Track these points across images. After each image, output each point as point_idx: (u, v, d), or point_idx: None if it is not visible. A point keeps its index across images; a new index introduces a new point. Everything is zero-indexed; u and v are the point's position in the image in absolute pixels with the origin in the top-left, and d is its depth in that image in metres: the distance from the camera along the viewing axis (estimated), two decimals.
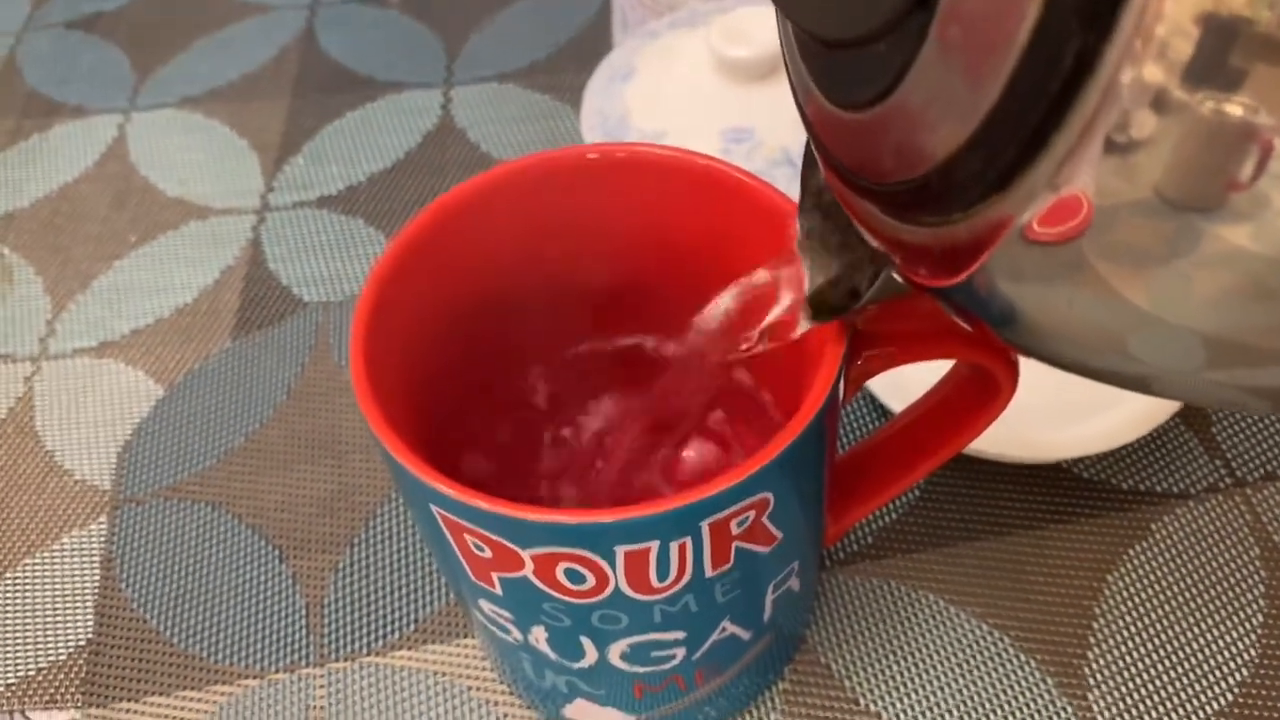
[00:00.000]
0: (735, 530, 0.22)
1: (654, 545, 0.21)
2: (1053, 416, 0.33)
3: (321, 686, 0.31)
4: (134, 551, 0.34)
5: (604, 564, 0.21)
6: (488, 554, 0.22)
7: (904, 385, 0.32)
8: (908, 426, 0.27)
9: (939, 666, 0.30)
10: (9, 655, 0.33)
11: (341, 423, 0.37)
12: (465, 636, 0.32)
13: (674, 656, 0.25)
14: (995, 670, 0.30)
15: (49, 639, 0.33)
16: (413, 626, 0.32)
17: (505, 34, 0.51)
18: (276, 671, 0.32)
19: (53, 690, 0.32)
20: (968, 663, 0.30)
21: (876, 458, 0.28)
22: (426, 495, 0.22)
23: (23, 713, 0.32)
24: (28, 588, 0.34)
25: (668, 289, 0.28)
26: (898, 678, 0.30)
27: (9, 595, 0.34)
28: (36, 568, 0.35)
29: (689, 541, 0.21)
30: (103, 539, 0.35)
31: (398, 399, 0.24)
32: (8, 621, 0.33)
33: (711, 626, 0.25)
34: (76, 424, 0.38)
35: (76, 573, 0.34)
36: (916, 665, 0.30)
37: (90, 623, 0.33)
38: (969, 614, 0.31)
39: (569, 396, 0.31)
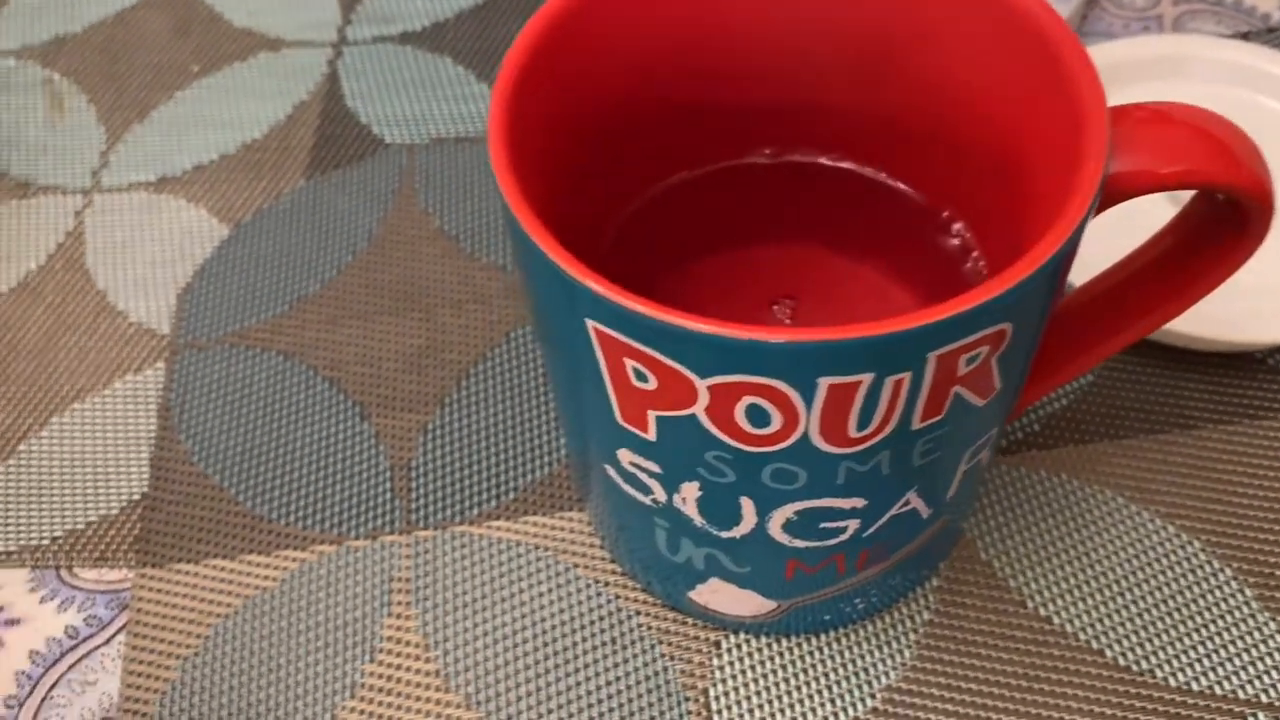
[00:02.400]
0: (962, 369, 0.18)
1: (866, 380, 0.17)
2: (1256, 300, 0.29)
3: (407, 556, 0.27)
4: (195, 400, 0.31)
5: (799, 400, 0.17)
6: (651, 385, 0.18)
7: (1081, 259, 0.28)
8: (1130, 278, 0.23)
9: (1118, 570, 0.26)
10: (55, 506, 0.29)
11: (429, 274, 0.33)
12: (571, 509, 0.28)
13: (844, 530, 0.21)
14: (1184, 577, 0.26)
15: (99, 491, 0.29)
16: (511, 495, 0.28)
17: None
18: (356, 538, 0.28)
19: (103, 547, 0.28)
20: (1150, 567, 0.26)
21: (1084, 315, 0.24)
22: (585, 306, 0.17)
23: (69, 568, 0.28)
24: (76, 434, 0.30)
25: (857, 104, 0.24)
26: (1070, 580, 0.26)
27: (55, 441, 0.30)
28: (86, 413, 0.31)
29: (907, 379, 0.17)
30: (160, 386, 0.31)
31: (539, 201, 0.20)
32: (54, 469, 0.30)
33: (896, 496, 0.21)
34: (132, 262, 0.34)
35: (130, 421, 0.31)
36: (1092, 567, 0.26)
37: (145, 476, 0.29)
38: (1152, 514, 0.27)
39: (726, 212, 0.26)
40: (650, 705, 0.25)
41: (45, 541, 0.29)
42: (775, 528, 0.21)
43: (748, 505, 0.20)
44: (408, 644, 0.26)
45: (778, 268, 0.25)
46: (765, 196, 0.25)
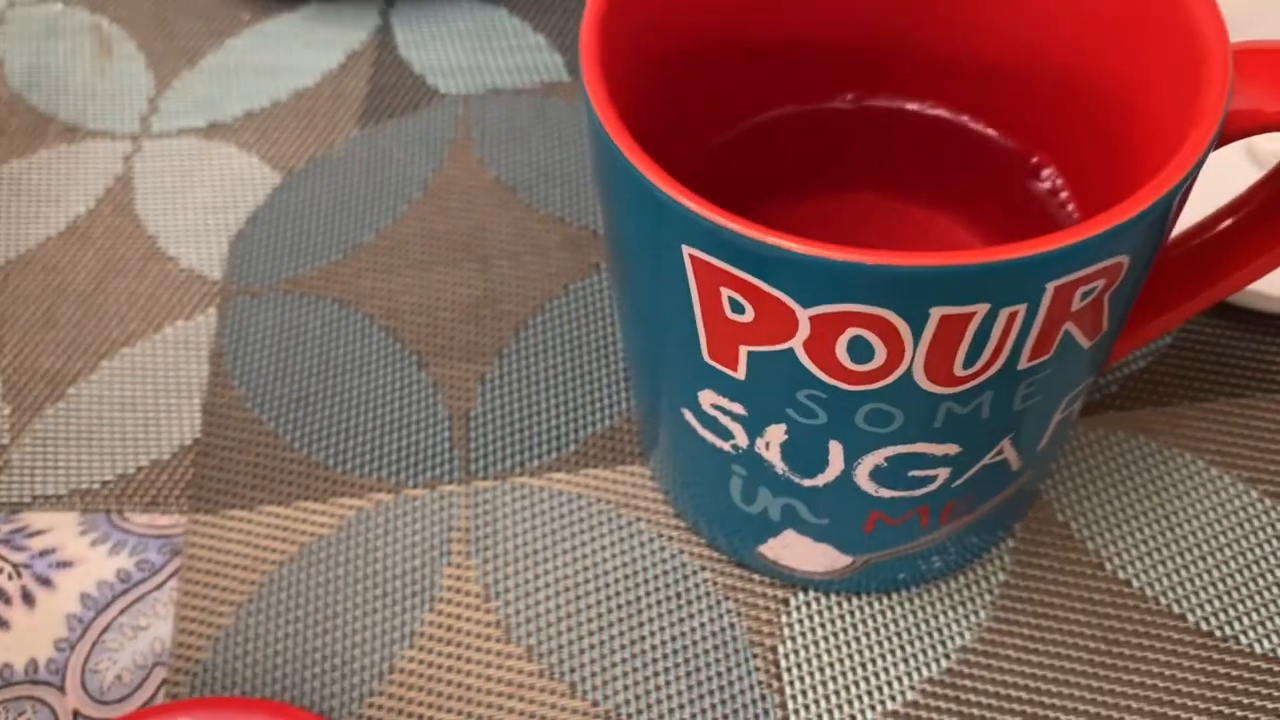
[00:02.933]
0: (1076, 304, 0.17)
1: (980, 311, 0.16)
2: None
3: (465, 506, 0.27)
4: (248, 347, 0.30)
5: (907, 332, 0.17)
6: (747, 316, 0.17)
7: None
8: (1230, 229, 0.22)
9: (1199, 534, 0.25)
10: (106, 450, 0.29)
11: (487, 224, 0.32)
12: (633, 463, 0.27)
13: (933, 479, 0.21)
14: (1269, 543, 0.25)
15: (150, 435, 0.29)
16: (572, 447, 0.28)
17: None
18: (414, 487, 0.27)
19: (155, 492, 0.28)
20: (1233, 531, 0.25)
21: (1179, 266, 0.23)
22: (683, 229, 0.17)
23: (120, 513, 0.28)
24: (126, 379, 0.30)
25: (948, 48, 0.23)
26: (1150, 543, 0.25)
27: (105, 385, 0.30)
28: (136, 358, 0.30)
29: (1022, 311, 0.16)
30: (212, 332, 0.31)
31: (629, 126, 0.19)
32: (104, 414, 0.29)
33: (991, 443, 0.20)
34: (182, 208, 0.34)
35: (181, 366, 0.30)
36: (1172, 530, 0.25)
37: (197, 421, 0.29)
38: (1234, 477, 0.26)
39: (808, 157, 0.25)
40: (716, 661, 0.24)
41: (96, 485, 0.28)
42: (862, 475, 0.20)
43: (836, 450, 0.20)
44: (467, 594, 0.26)
45: (860, 214, 0.24)
46: (848, 142, 0.25)
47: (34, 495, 0.28)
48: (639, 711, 0.24)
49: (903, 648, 0.24)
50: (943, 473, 0.20)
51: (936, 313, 0.16)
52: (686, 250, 0.17)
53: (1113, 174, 0.21)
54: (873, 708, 0.24)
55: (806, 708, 0.24)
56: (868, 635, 0.24)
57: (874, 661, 0.24)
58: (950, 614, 0.25)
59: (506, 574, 0.26)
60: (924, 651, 0.24)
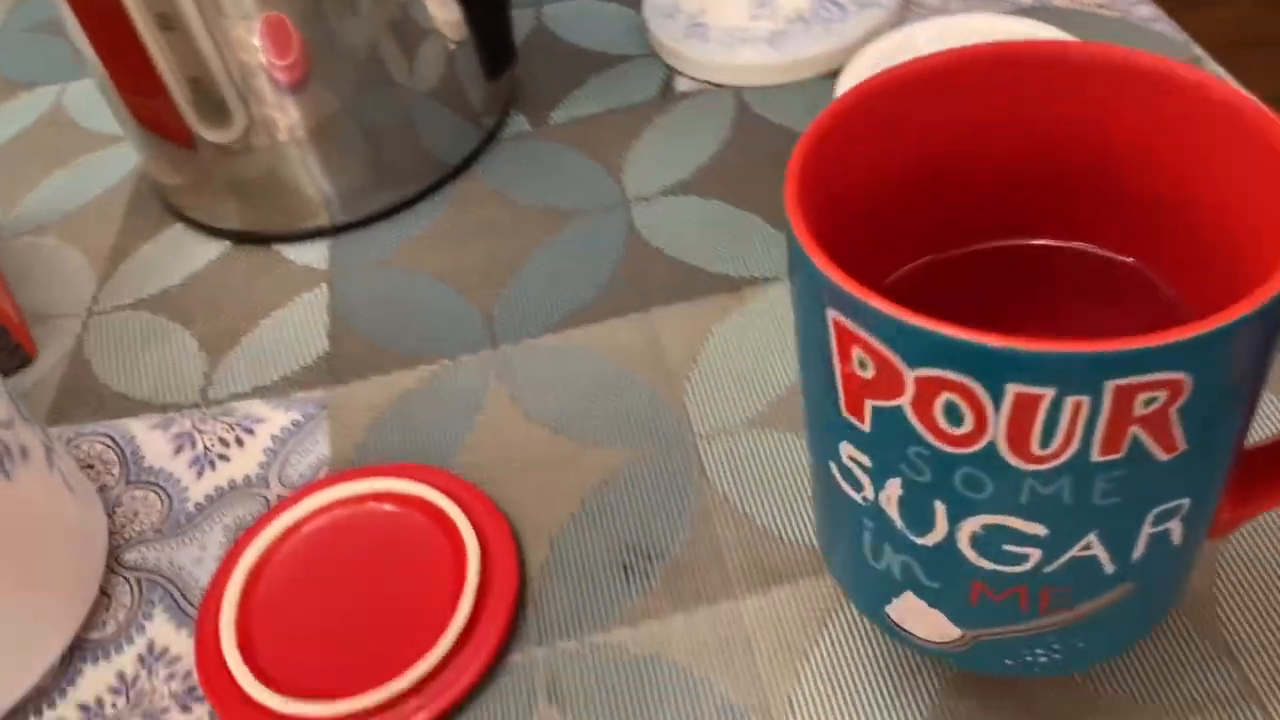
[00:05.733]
0: (1139, 410, 0.20)
1: (1048, 394, 0.20)
2: None
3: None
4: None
5: (988, 403, 0.21)
6: (869, 373, 0.22)
7: None
8: None
9: None
10: (274, 361, 0.41)
11: None
12: None
13: (1026, 558, 0.24)
14: None
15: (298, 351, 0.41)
16: None
17: None
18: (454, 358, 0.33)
19: (304, 380, 0.40)
20: None
21: None
22: (824, 295, 0.22)
23: (287, 394, 0.40)
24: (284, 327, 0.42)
25: (1099, 193, 0.27)
26: None
27: (271, 330, 0.38)
28: (286, 317, 0.43)
29: (1086, 402, 0.20)
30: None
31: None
32: (274, 344, 0.38)
33: (1077, 534, 0.23)
34: None
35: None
36: None
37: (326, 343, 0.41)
38: None
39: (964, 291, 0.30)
40: None
41: (269, 382, 0.41)
42: (964, 539, 0.24)
43: (940, 510, 0.24)
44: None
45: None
46: (1006, 278, 0.29)
47: (231, 394, 0.40)
48: None
49: None
50: (1034, 554, 0.24)
51: (1011, 389, 0.20)
52: (830, 313, 0.22)
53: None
54: None
55: None
56: None
57: None
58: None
59: None
60: None
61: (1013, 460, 0.22)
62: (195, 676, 0.31)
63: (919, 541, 0.25)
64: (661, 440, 0.34)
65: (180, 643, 0.32)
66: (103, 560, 0.33)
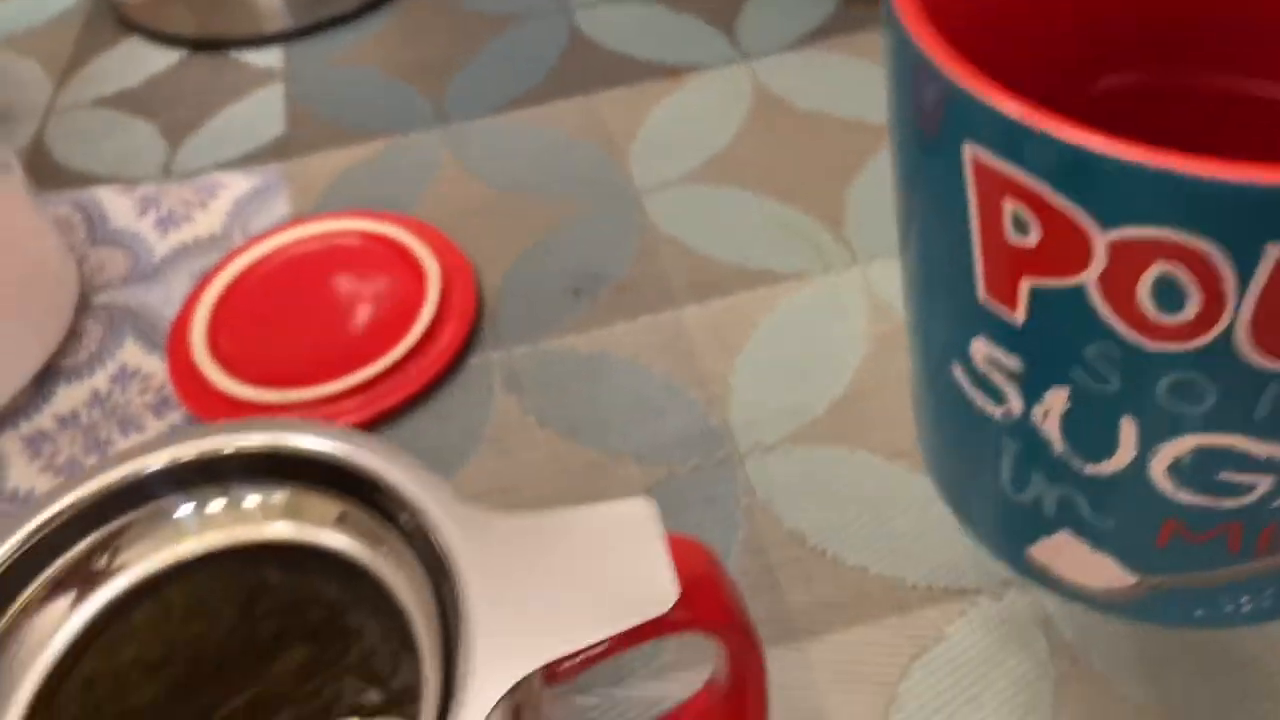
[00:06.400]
0: None
1: None
2: None
3: None
4: None
5: (1232, 275, 0.13)
6: (1031, 238, 0.15)
7: None
8: None
9: None
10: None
11: None
12: None
13: (1251, 489, 0.17)
14: None
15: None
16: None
17: None
18: None
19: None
20: None
21: None
22: (965, 120, 0.14)
23: (250, 168, 0.40)
24: None
25: None
26: None
27: None
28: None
29: None
30: None
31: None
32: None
33: None
34: None
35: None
36: None
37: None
38: None
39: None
40: None
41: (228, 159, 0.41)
42: (1159, 468, 0.17)
43: (1129, 430, 0.16)
44: None
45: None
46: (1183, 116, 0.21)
47: (193, 170, 0.40)
48: None
49: None
50: (1264, 482, 0.16)
51: (1275, 251, 0.13)
52: (968, 150, 0.15)
53: None
54: None
55: None
56: None
57: None
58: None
59: None
60: None
61: (1256, 359, 0.14)
62: (169, 388, 0.33)
63: (1089, 471, 0.18)
64: (608, 191, 0.36)
65: (151, 364, 0.33)
66: (74, 299, 0.35)
